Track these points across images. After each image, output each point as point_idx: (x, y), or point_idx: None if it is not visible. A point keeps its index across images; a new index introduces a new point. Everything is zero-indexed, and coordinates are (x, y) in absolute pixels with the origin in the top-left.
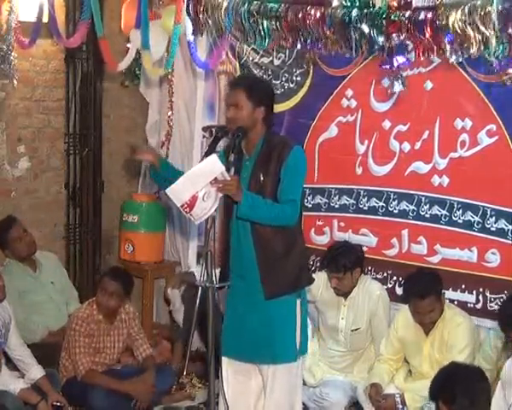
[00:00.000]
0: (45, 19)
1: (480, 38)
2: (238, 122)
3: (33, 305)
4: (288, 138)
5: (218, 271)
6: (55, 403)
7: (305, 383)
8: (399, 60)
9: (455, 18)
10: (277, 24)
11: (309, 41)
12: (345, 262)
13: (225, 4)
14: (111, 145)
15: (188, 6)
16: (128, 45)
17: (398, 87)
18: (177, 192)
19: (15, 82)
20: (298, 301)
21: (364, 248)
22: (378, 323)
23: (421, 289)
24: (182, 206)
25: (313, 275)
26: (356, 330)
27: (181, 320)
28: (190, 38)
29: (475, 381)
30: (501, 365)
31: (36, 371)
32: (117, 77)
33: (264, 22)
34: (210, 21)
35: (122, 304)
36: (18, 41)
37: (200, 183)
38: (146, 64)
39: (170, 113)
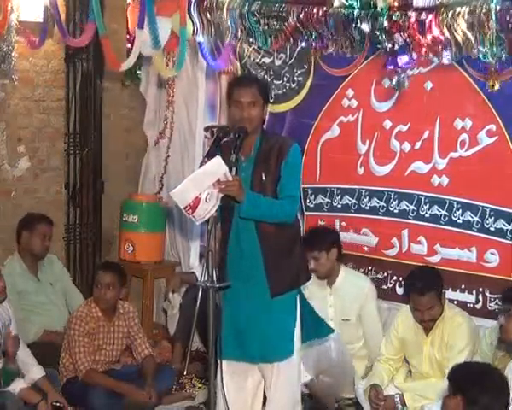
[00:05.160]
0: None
1: (481, 37)
2: (255, 121)
3: (32, 305)
4: (283, 136)
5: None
6: (54, 403)
7: None
8: (403, 59)
9: (455, 18)
10: (279, 24)
11: (310, 41)
12: (319, 241)
13: (227, 4)
14: (111, 145)
15: (189, 7)
16: (129, 46)
17: (403, 84)
18: (181, 194)
19: (15, 82)
20: (297, 297)
21: (365, 248)
22: (369, 320)
23: (422, 286)
24: (185, 208)
25: None
26: (346, 320)
27: (173, 328)
28: (200, 39)
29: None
30: (498, 363)
31: (36, 371)
32: (117, 77)
33: (266, 22)
34: (213, 22)
35: (119, 296)
36: (28, 41)
37: (203, 184)
38: (158, 64)
39: (167, 112)
